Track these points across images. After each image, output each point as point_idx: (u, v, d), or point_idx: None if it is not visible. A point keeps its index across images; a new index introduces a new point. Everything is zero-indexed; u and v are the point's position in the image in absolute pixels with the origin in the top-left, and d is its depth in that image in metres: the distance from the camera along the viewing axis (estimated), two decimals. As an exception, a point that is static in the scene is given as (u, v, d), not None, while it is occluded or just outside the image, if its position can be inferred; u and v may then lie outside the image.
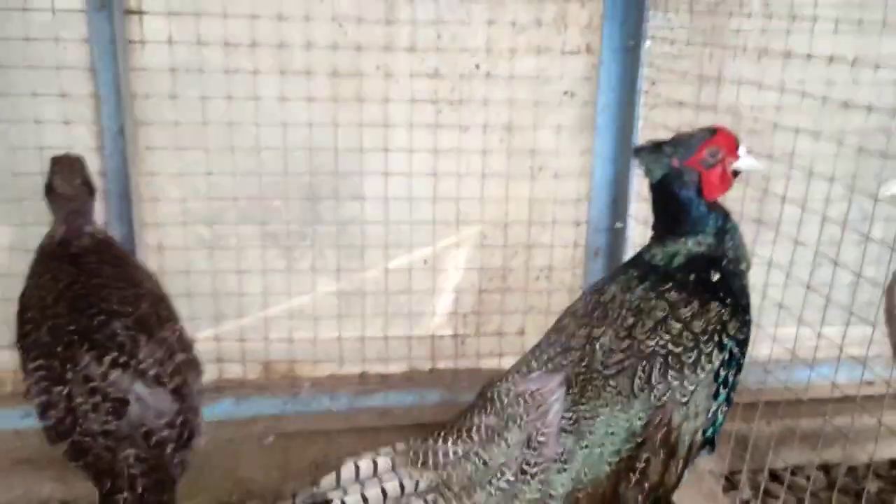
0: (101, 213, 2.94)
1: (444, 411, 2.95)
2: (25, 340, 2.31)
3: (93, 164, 2.87)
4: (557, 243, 3.28)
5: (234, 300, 3.16)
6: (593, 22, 3.07)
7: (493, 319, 3.36)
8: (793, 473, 2.89)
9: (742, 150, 2.01)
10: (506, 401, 1.94)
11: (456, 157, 3.13)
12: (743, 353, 2.00)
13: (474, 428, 1.92)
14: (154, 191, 3.01)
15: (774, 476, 2.92)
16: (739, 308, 2.01)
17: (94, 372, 2.19)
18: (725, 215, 2.06)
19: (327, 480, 1.79)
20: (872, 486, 3.03)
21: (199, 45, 2.86)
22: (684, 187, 2.01)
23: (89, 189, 2.49)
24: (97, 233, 2.49)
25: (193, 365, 2.40)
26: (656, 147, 2.05)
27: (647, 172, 2.06)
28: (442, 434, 1.93)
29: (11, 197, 2.93)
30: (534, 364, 2.00)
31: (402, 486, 1.80)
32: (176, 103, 2.92)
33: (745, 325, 2.01)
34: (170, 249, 3.08)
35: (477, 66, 3.06)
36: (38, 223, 2.91)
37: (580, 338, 1.98)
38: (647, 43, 2.98)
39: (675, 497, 2.20)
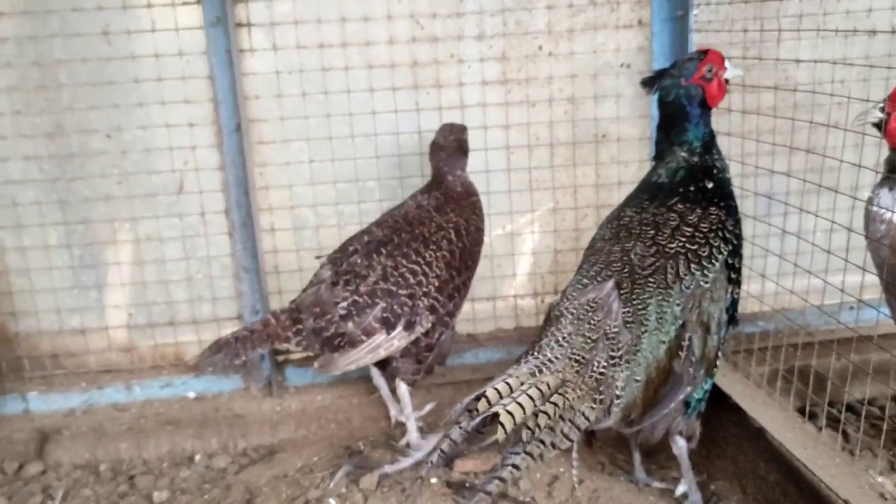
0: (220, 202, 3.41)
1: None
2: None
3: (213, 160, 3.35)
4: (624, 203, 3.58)
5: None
6: (643, -3, 3.39)
7: (568, 278, 3.62)
8: (868, 404, 3.06)
9: (728, 63, 2.52)
10: (574, 312, 2.35)
11: (526, 130, 3.48)
12: (741, 244, 2.52)
13: (560, 338, 2.29)
14: (266, 180, 3.44)
15: (849, 408, 3.07)
16: (732, 208, 2.54)
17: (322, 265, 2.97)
18: (711, 129, 2.59)
19: (482, 404, 2.05)
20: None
21: (298, 48, 3.29)
22: (692, 101, 2.53)
23: (459, 145, 3.05)
24: (454, 185, 3.06)
25: (390, 295, 2.82)
26: (660, 74, 2.57)
27: (666, 93, 2.54)
28: (535, 352, 2.30)
29: (148, 193, 3.40)
30: (585, 281, 2.44)
31: (540, 392, 2.12)
32: (281, 101, 3.35)
33: (738, 221, 2.55)
34: (280, 231, 3.51)
35: (540, 48, 3.40)
36: (169, 215, 3.40)
37: (616, 253, 2.45)
38: (695, 11, 3.27)
39: (766, 424, 2.66)
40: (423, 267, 2.87)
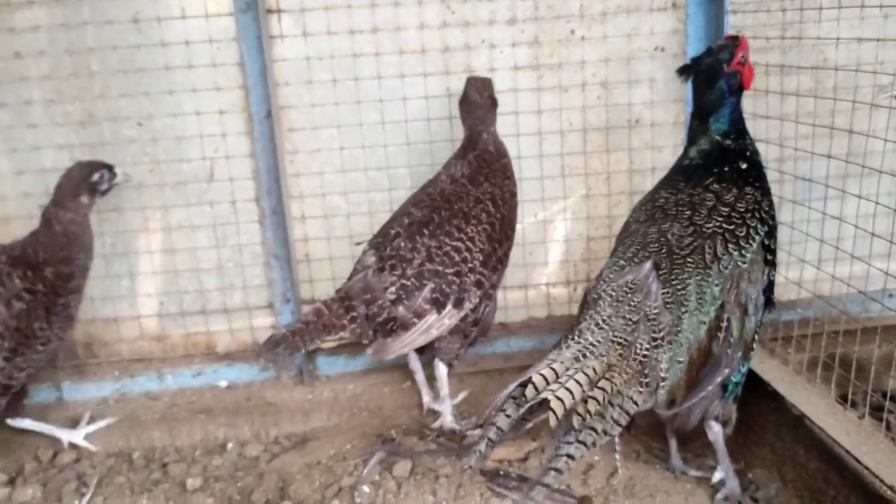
0: (251, 189, 3.40)
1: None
2: None
3: (244, 148, 3.35)
4: (657, 189, 3.53)
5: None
6: (678, -21, 3.33)
7: (601, 266, 3.62)
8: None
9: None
10: (613, 294, 2.32)
11: (558, 115, 3.44)
12: (776, 225, 2.52)
13: (599, 321, 2.26)
14: (296, 167, 3.42)
15: (892, 397, 2.95)
16: (766, 189, 2.54)
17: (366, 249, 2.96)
18: (742, 115, 2.61)
19: (529, 391, 2.02)
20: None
21: (329, 34, 3.27)
22: (732, 87, 2.56)
23: (492, 101, 3.05)
24: (488, 143, 3.03)
25: (438, 275, 2.83)
26: (697, 62, 2.60)
27: (714, 83, 2.56)
28: (576, 336, 2.26)
29: (179, 181, 3.40)
30: (622, 262, 2.41)
31: (587, 377, 2.09)
32: (311, 88, 3.33)
33: (772, 203, 2.56)
34: (311, 219, 3.50)
35: (572, 32, 3.36)
36: (200, 203, 3.40)
37: (652, 234, 2.44)
38: (730, -8, 3.22)
39: (806, 410, 2.62)
40: (467, 243, 2.86)
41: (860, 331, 2.84)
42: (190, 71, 3.26)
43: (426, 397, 3.29)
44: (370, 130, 3.41)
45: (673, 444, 2.82)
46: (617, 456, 2.31)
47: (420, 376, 3.26)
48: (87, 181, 2.96)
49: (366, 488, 2.74)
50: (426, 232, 2.87)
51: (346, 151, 3.42)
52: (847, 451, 2.39)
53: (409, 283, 2.81)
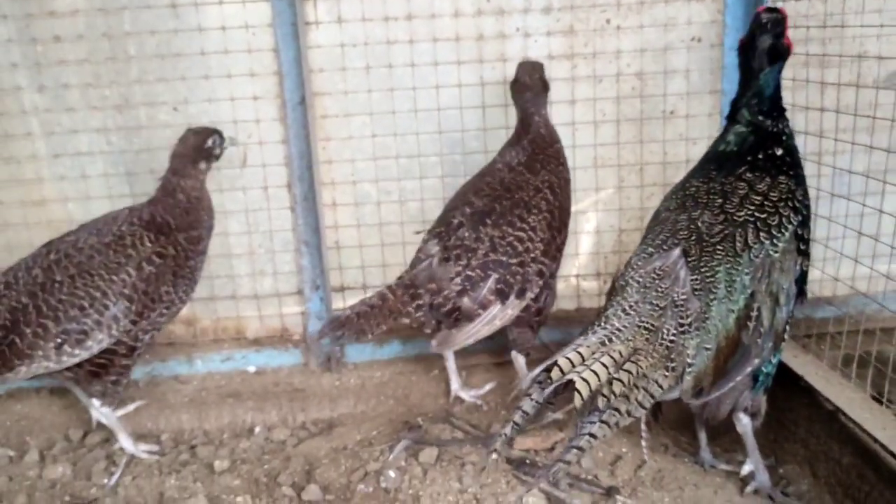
0: (283, 176, 3.42)
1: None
2: None
3: (277, 134, 3.36)
4: (691, 182, 3.49)
5: (398, 249, 3.54)
6: (716, -32, 3.29)
7: (632, 258, 3.60)
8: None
9: None
10: (641, 280, 2.31)
11: (592, 105, 3.41)
12: (809, 215, 2.45)
13: (626, 307, 2.25)
14: (329, 154, 3.44)
15: None
16: (801, 178, 2.47)
17: (427, 237, 2.97)
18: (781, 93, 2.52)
19: (555, 373, 2.04)
20: None
21: (364, 21, 3.28)
22: (782, 61, 2.50)
23: (543, 84, 3.02)
24: (540, 126, 3.03)
25: (507, 267, 2.83)
26: (753, 35, 2.48)
27: (781, 60, 2.49)
28: (602, 322, 2.26)
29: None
30: (650, 249, 2.39)
31: (613, 360, 2.09)
32: (345, 75, 3.34)
33: (806, 192, 2.48)
34: (342, 206, 3.51)
35: (608, 21, 3.33)
36: (233, 188, 3.42)
37: (682, 222, 2.40)
38: (769, -18, 3.17)
39: (841, 405, 2.59)
40: (529, 233, 2.86)
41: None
42: (225, 56, 3.29)
43: (455, 384, 3.27)
44: (402, 118, 3.41)
45: (703, 436, 2.79)
46: (644, 445, 2.27)
47: (451, 363, 3.25)
48: (202, 148, 2.98)
49: (392, 473, 2.73)
50: (489, 222, 2.86)
51: (377, 139, 3.43)
52: (883, 447, 2.34)
53: (473, 274, 2.81)
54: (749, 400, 2.44)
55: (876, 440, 2.37)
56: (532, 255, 2.85)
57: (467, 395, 3.23)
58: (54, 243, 2.91)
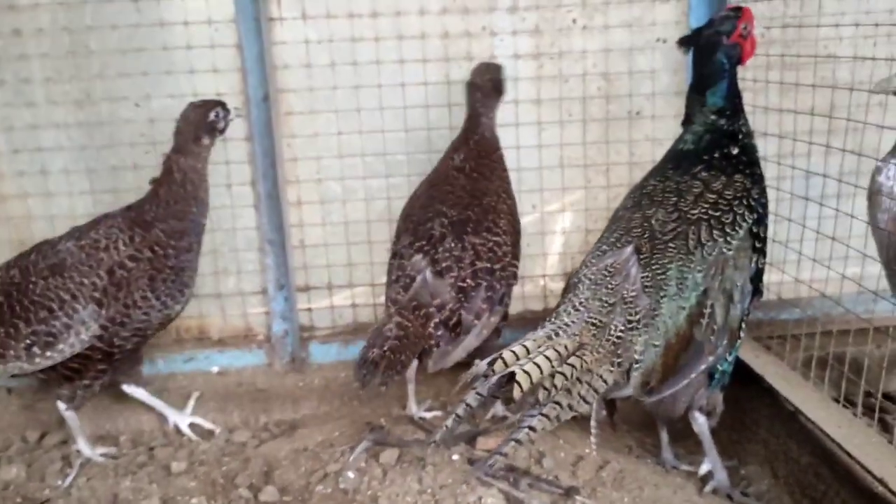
0: (247, 173, 3.38)
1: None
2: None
3: (240, 131, 3.32)
4: (657, 182, 3.49)
5: (364, 248, 3.52)
6: (681, -30, 3.29)
7: (599, 259, 3.59)
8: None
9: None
10: (592, 277, 2.33)
11: (558, 106, 3.41)
12: (766, 213, 2.45)
13: (577, 303, 2.28)
14: (293, 151, 3.40)
15: (887, 396, 2.94)
16: (757, 177, 2.47)
17: (405, 253, 2.82)
18: (739, 92, 2.53)
19: (498, 365, 2.05)
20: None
21: (328, 18, 3.25)
22: (731, 59, 2.49)
23: (494, 86, 3.00)
24: (486, 129, 2.99)
25: (493, 274, 2.79)
26: (698, 32, 2.53)
27: (708, 51, 2.49)
28: (553, 318, 2.28)
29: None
30: (604, 247, 2.42)
31: (557, 353, 2.11)
32: (310, 71, 3.31)
33: (764, 190, 2.50)
34: (307, 204, 3.47)
35: (574, 21, 3.33)
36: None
37: (637, 219, 2.42)
38: (732, -16, 3.18)
39: (799, 404, 2.59)
40: (503, 237, 2.83)
41: (855, 331, 2.80)
42: (188, 52, 3.25)
43: (413, 407, 3.20)
44: (368, 116, 3.38)
45: (664, 437, 2.78)
46: (593, 440, 2.26)
47: (412, 386, 3.16)
48: (205, 121, 2.85)
49: (350, 474, 2.69)
50: (469, 230, 2.81)
51: (343, 136, 3.40)
52: (838, 445, 2.34)
53: (466, 285, 2.75)
54: (704, 398, 2.44)
55: (832, 439, 2.37)
56: (507, 259, 2.84)
57: (426, 414, 3.17)
58: (42, 245, 2.87)
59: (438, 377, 3.34)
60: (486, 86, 2.99)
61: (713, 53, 2.47)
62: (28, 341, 2.70)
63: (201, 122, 2.85)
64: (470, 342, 2.79)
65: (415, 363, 2.92)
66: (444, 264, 2.77)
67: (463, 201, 2.90)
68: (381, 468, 2.75)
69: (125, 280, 2.77)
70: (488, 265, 2.79)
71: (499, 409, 2.98)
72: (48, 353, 2.73)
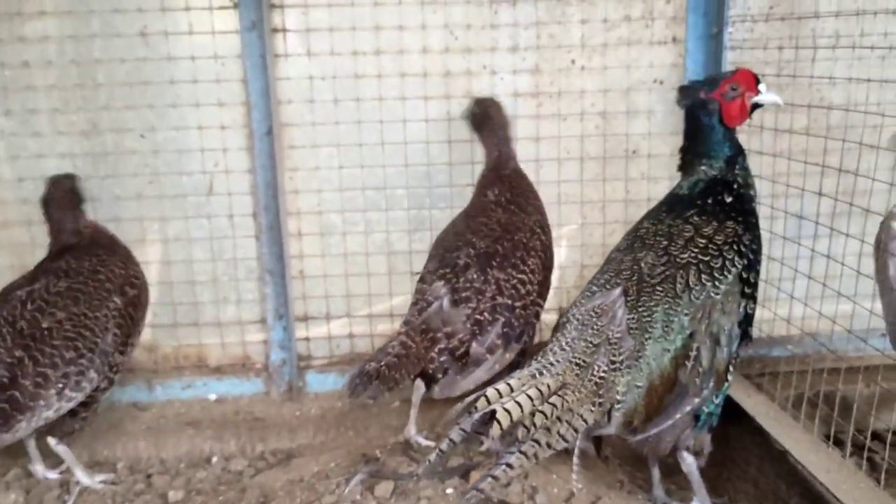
0: (249, 205, 3.44)
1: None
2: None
3: (243, 163, 3.38)
4: (653, 220, 3.54)
5: (363, 280, 3.57)
6: (678, 14, 3.37)
7: (594, 294, 3.64)
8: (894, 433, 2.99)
9: (762, 87, 2.48)
10: (580, 318, 2.38)
11: (556, 143, 3.47)
12: (758, 260, 2.47)
13: (563, 343, 2.34)
14: (295, 184, 3.46)
15: (876, 436, 2.96)
16: (751, 224, 2.48)
17: (428, 278, 2.89)
18: (738, 147, 2.54)
19: (481, 402, 2.09)
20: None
21: (333, 55, 3.32)
22: (706, 114, 2.50)
23: (507, 120, 3.10)
24: (513, 163, 3.08)
25: (512, 311, 2.80)
26: (689, 85, 2.58)
27: (679, 101, 2.56)
28: (540, 356, 2.34)
29: (178, 193, 3.44)
30: (594, 288, 2.47)
31: (539, 392, 2.15)
32: (313, 107, 3.37)
33: (757, 237, 2.49)
34: (307, 235, 3.52)
35: (573, 62, 3.40)
36: (198, 216, 3.43)
37: (627, 262, 2.46)
38: (730, 29, 3.25)
39: (789, 446, 2.63)
40: (529, 275, 2.84)
41: (845, 370, 2.84)
42: (194, 86, 3.31)
43: (412, 430, 3.23)
44: (369, 151, 3.44)
45: (655, 473, 2.81)
46: (574, 475, 2.29)
47: (415, 411, 3.18)
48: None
49: (345, 507, 2.72)
50: (494, 264, 2.83)
51: (344, 170, 3.46)
52: (827, 489, 2.38)
53: (482, 318, 2.77)
54: (691, 439, 2.47)
55: (821, 483, 2.41)
56: (531, 297, 2.85)
57: (422, 440, 3.20)
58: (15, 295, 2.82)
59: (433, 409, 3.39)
60: (503, 119, 3.07)
61: (687, 105, 2.53)
62: (60, 385, 2.70)
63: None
64: (479, 375, 2.79)
65: (422, 388, 2.95)
66: (463, 294, 2.80)
67: (494, 234, 2.92)
68: (376, 501, 2.77)
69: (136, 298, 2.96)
70: (509, 301, 2.80)
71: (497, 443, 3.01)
72: (73, 394, 2.75)
